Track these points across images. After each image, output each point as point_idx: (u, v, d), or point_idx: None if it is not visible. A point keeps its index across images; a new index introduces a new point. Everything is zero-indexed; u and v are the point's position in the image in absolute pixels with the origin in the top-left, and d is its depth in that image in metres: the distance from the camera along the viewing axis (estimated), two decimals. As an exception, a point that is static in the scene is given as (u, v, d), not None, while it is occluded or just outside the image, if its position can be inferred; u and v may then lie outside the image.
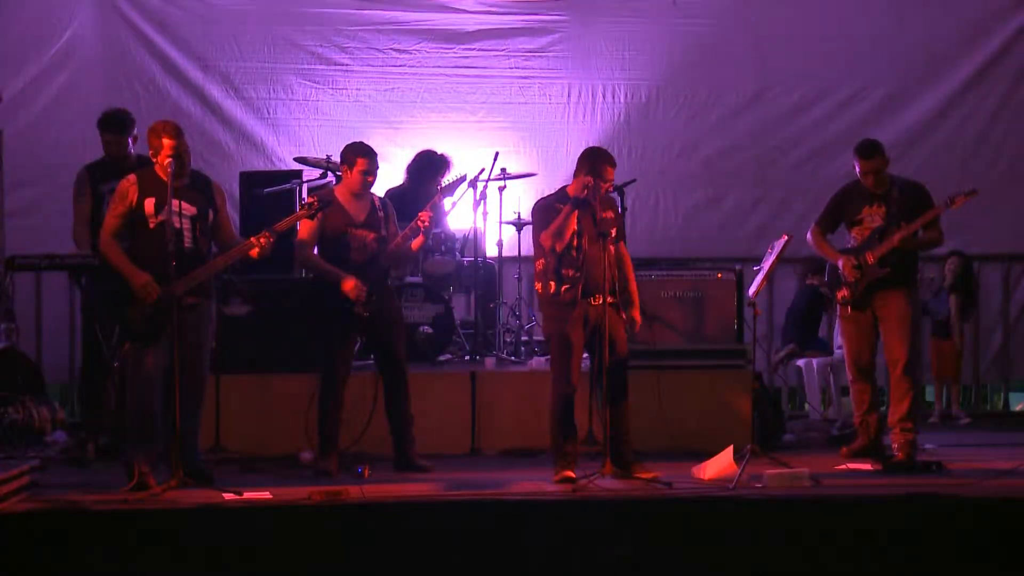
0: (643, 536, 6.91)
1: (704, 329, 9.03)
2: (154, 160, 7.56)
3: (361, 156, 8.17)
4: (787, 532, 6.92)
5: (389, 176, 9.98)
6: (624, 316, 7.88)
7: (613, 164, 7.88)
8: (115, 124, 8.66)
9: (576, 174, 7.88)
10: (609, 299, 7.77)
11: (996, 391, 11.37)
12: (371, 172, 8.18)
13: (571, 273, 7.81)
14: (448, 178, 9.73)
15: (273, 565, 6.73)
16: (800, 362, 10.33)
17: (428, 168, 9.92)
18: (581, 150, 8.09)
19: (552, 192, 8.18)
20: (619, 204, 9.12)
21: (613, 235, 7.80)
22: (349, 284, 8.00)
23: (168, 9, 10.74)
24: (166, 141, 7.50)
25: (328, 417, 8.15)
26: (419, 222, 8.07)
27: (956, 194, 8.36)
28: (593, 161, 7.86)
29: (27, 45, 10.60)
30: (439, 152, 10.03)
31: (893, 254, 8.36)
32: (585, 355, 8.02)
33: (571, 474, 7.76)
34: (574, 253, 7.80)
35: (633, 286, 8.08)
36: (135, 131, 8.69)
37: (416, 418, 8.29)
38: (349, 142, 8.33)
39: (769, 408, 8.93)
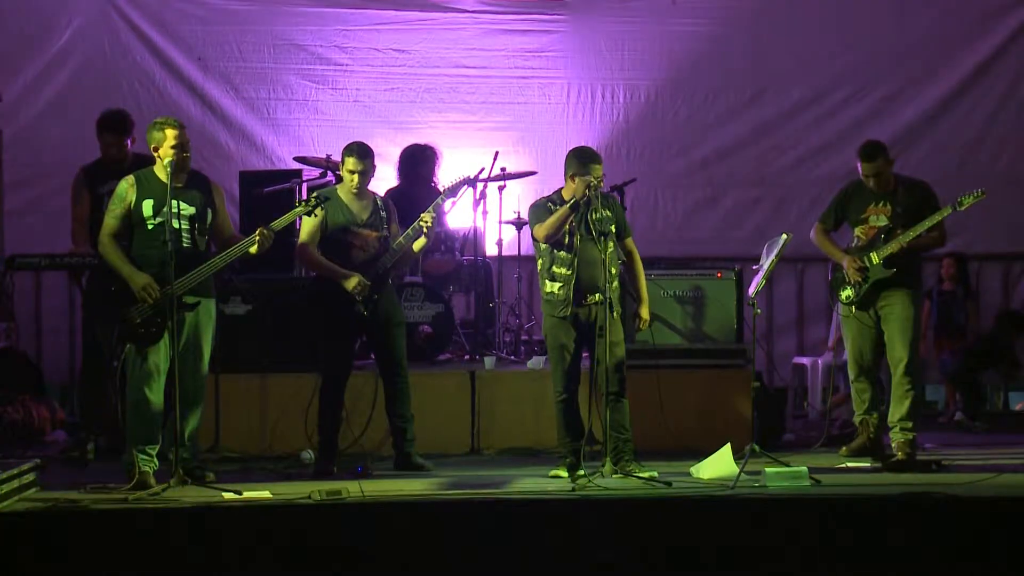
0: (643, 536, 6.91)
1: (704, 329, 9.03)
2: (156, 155, 7.56)
3: (347, 155, 8.15)
4: (787, 532, 6.92)
5: (389, 176, 9.98)
6: (621, 312, 7.92)
7: (600, 162, 7.92)
8: (116, 125, 8.66)
9: (567, 175, 7.91)
10: (604, 298, 7.80)
11: (996, 391, 11.36)
12: (358, 171, 8.09)
13: (564, 272, 7.85)
14: (441, 170, 9.76)
15: (273, 565, 6.73)
16: (804, 360, 10.32)
17: (414, 162, 9.92)
18: (579, 150, 8.11)
19: (549, 193, 8.19)
20: (620, 202, 9.16)
21: (612, 233, 7.84)
22: (352, 281, 8.01)
23: (168, 9, 10.75)
24: (169, 132, 7.52)
25: (328, 417, 8.15)
26: (421, 223, 8.07)
27: (965, 196, 8.33)
28: (582, 160, 7.88)
29: (27, 45, 10.61)
30: (422, 144, 10.03)
31: (898, 254, 8.35)
32: (585, 354, 8.06)
33: (562, 472, 7.86)
34: (566, 252, 7.84)
35: (641, 283, 8.12)
36: (134, 132, 8.69)
37: (416, 418, 8.29)
38: (348, 142, 8.33)
39: (769, 408, 8.93)
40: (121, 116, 8.75)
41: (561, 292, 7.88)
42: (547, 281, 7.95)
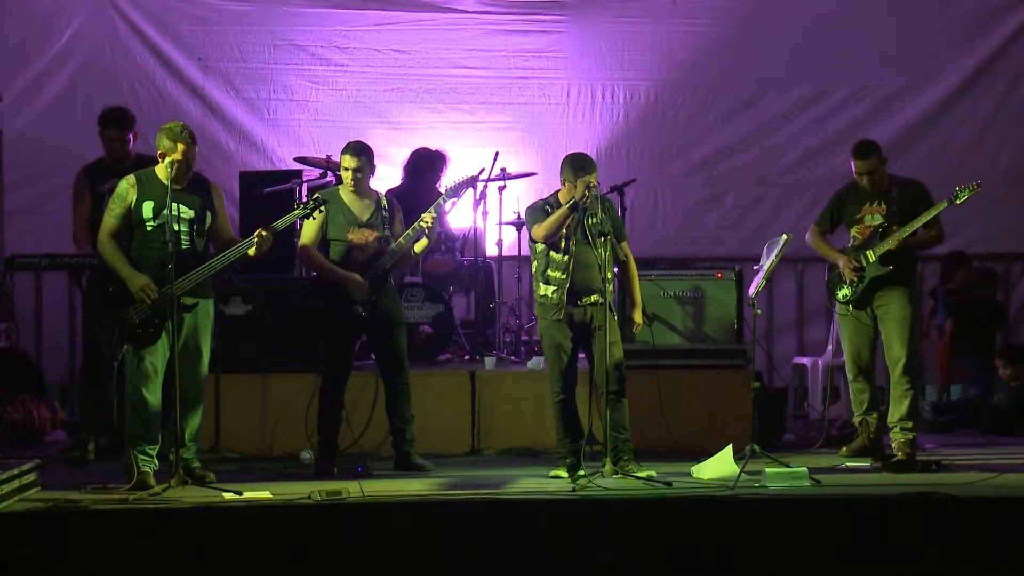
0: (643, 536, 6.91)
1: (704, 329, 9.03)
2: (160, 159, 7.54)
3: (343, 153, 8.18)
4: (787, 532, 6.92)
5: (390, 176, 9.98)
6: (617, 316, 7.93)
7: (594, 169, 7.91)
8: (118, 120, 8.67)
9: (563, 180, 7.91)
10: (601, 300, 7.80)
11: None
12: (352, 168, 8.11)
13: (558, 276, 7.87)
14: (448, 176, 9.77)
15: (273, 565, 6.73)
16: (805, 361, 10.32)
17: (423, 166, 9.93)
18: (580, 150, 8.12)
19: (548, 195, 8.20)
20: (619, 204, 9.18)
21: (611, 234, 7.85)
22: (354, 281, 8.01)
23: (168, 9, 10.74)
24: (180, 146, 7.49)
25: (328, 417, 8.15)
26: (422, 224, 8.07)
27: (961, 189, 8.33)
28: (577, 167, 7.88)
29: (27, 45, 10.61)
30: (434, 148, 10.05)
31: (895, 253, 8.35)
32: (582, 355, 8.06)
33: (562, 472, 7.87)
34: (561, 255, 7.85)
35: (635, 286, 8.14)
36: (135, 128, 8.70)
37: (416, 418, 8.30)
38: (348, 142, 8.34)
39: (769, 408, 8.93)
40: (123, 111, 8.76)
41: (555, 296, 7.90)
42: (541, 284, 7.96)
